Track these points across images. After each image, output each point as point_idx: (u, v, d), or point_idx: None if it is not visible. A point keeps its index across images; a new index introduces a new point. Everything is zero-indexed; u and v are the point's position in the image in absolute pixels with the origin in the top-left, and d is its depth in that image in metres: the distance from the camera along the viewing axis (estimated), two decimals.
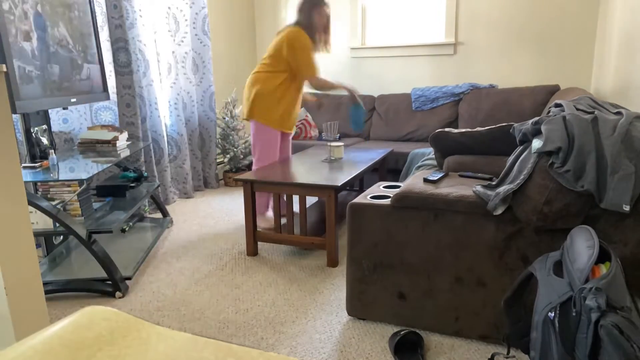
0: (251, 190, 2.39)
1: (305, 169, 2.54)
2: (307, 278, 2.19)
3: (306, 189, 2.26)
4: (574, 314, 1.00)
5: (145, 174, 2.87)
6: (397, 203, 1.62)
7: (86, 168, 2.14)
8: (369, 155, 2.96)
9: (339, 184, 2.19)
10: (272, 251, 2.55)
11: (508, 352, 1.35)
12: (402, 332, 1.58)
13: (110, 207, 2.39)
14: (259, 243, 2.65)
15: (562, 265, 1.16)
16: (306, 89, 2.95)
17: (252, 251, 2.48)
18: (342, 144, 2.81)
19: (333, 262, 2.31)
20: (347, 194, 3.31)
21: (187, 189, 3.70)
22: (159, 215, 3.25)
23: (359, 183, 3.38)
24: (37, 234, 2.04)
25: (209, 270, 2.31)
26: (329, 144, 2.80)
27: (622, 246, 1.38)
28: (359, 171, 2.47)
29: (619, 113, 1.39)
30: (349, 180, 2.29)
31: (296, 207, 3.14)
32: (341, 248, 2.56)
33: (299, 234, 2.38)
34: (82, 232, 1.99)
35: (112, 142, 2.70)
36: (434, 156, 2.61)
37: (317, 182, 2.24)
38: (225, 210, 3.34)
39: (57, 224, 2.05)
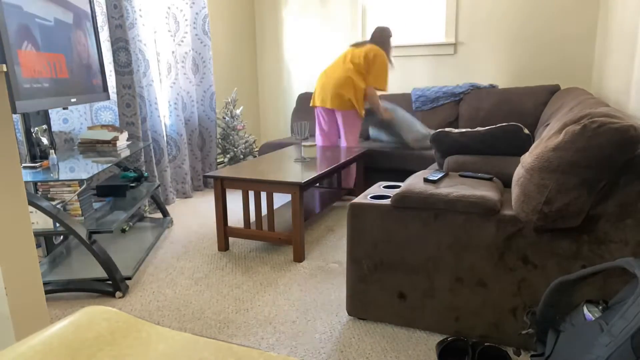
0: (221, 187, 2.46)
1: (276, 168, 2.61)
2: (307, 278, 2.19)
3: (273, 185, 2.35)
4: None
5: (146, 174, 2.87)
6: (397, 203, 1.62)
7: (86, 168, 2.14)
8: (344, 154, 3.04)
9: (303, 182, 2.26)
10: (272, 251, 2.55)
11: (529, 328, 1.31)
12: (448, 339, 1.57)
13: (110, 207, 2.39)
14: (264, 243, 2.66)
15: None
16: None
17: (223, 246, 2.56)
18: (315, 143, 2.92)
19: (299, 257, 2.38)
20: (331, 192, 3.31)
21: (186, 189, 3.70)
22: (159, 215, 3.25)
23: (359, 182, 3.38)
24: (37, 234, 2.04)
25: (209, 270, 2.31)
26: (301, 144, 2.91)
27: (622, 246, 1.38)
28: (326, 170, 2.54)
29: None
30: (314, 178, 2.36)
31: (278, 204, 3.14)
32: (310, 243, 2.64)
33: (267, 230, 2.48)
34: (82, 232, 1.99)
35: (112, 142, 2.70)
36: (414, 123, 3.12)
37: (284, 179, 2.31)
38: None
39: (57, 224, 2.05)
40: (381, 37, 3.35)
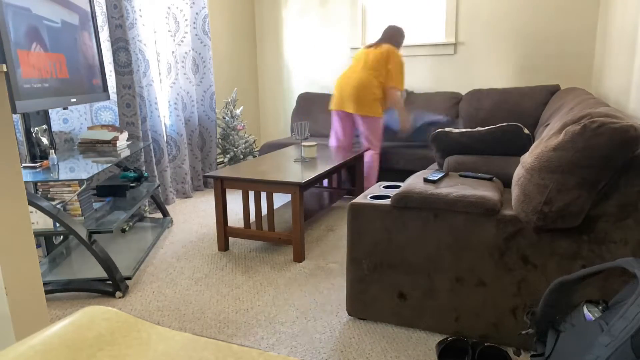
0: (221, 187, 2.46)
1: (276, 168, 2.61)
2: (307, 278, 2.19)
3: (273, 185, 2.34)
4: None
5: (146, 174, 2.87)
6: (397, 203, 1.62)
7: (86, 168, 2.14)
8: (344, 154, 3.03)
9: (303, 182, 2.26)
10: (272, 251, 2.55)
11: (529, 328, 1.30)
12: (448, 339, 1.57)
13: (110, 207, 2.39)
14: (264, 243, 2.66)
15: None
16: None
17: (223, 246, 2.55)
18: (315, 143, 2.90)
19: (299, 257, 2.38)
20: (331, 193, 3.31)
21: (186, 189, 3.70)
22: (159, 215, 3.25)
23: (359, 182, 3.38)
24: (37, 234, 2.04)
25: (209, 270, 2.31)
26: (301, 144, 2.89)
27: (622, 246, 1.38)
28: (325, 170, 2.54)
29: None
30: (314, 178, 2.36)
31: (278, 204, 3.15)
32: (310, 243, 2.64)
33: (267, 230, 2.47)
34: (82, 232, 1.99)
35: (112, 142, 2.70)
36: None
37: (284, 179, 2.31)
38: None
39: (57, 224, 2.05)
40: (395, 35, 3.33)
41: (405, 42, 4.09)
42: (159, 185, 2.87)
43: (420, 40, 4.05)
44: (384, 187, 1.97)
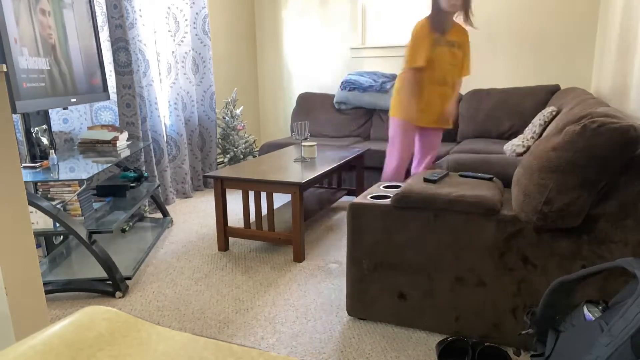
0: (221, 187, 2.46)
1: (276, 168, 2.61)
2: (307, 278, 2.19)
3: (273, 185, 2.34)
4: None
5: (146, 174, 2.87)
6: (398, 203, 1.62)
7: (86, 168, 2.14)
8: (344, 154, 3.02)
9: (303, 182, 2.26)
10: (272, 251, 2.55)
11: (529, 328, 1.30)
12: (448, 339, 1.57)
13: (110, 207, 2.39)
14: (264, 243, 2.66)
15: None
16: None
17: (223, 246, 2.56)
18: (315, 143, 2.90)
19: (299, 257, 2.38)
20: (331, 193, 3.31)
21: (186, 189, 3.70)
22: (159, 215, 3.25)
23: (357, 182, 3.38)
24: (37, 234, 2.04)
25: (209, 270, 2.31)
26: (301, 144, 2.89)
27: (622, 246, 1.38)
28: (326, 170, 2.54)
29: None
30: (314, 178, 2.36)
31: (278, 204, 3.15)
32: (310, 243, 2.64)
33: (267, 230, 2.47)
34: (82, 232, 1.99)
35: (112, 142, 2.70)
36: None
37: (284, 179, 2.31)
38: None
39: (57, 224, 2.05)
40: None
41: (405, 41, 4.08)
42: (159, 185, 2.87)
43: None
44: (384, 187, 1.97)
